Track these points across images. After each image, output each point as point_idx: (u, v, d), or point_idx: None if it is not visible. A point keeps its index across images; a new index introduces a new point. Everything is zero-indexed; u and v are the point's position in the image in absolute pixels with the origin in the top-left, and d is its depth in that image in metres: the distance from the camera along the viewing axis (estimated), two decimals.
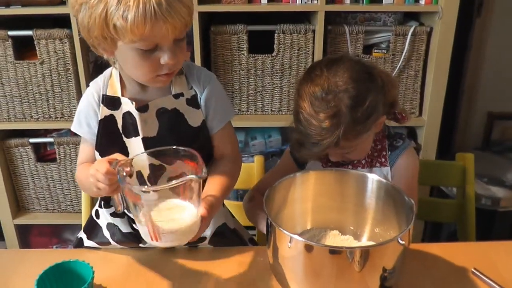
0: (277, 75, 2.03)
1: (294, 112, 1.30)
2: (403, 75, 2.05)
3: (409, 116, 1.43)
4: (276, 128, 2.17)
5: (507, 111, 2.65)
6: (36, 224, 2.39)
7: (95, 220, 1.34)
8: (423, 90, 2.09)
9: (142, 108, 1.20)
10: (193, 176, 0.97)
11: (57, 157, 2.23)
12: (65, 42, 2.03)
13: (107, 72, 1.26)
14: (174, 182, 0.96)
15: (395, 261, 0.99)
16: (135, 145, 1.20)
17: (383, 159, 1.38)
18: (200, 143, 1.24)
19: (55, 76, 2.09)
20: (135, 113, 1.19)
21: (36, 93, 2.13)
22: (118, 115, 1.21)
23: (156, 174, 1.10)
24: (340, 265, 0.96)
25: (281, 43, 1.98)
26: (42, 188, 2.32)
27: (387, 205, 1.12)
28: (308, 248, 0.96)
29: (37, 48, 2.05)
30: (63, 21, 2.03)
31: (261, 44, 1.96)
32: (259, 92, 2.06)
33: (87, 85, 2.02)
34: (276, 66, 2.02)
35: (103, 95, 1.22)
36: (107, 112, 1.21)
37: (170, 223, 1.01)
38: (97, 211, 1.34)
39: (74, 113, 2.08)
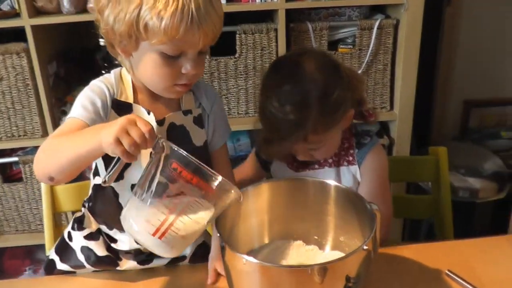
0: (241, 77, 1.97)
1: (260, 109, 1.26)
2: (371, 70, 2.00)
3: (377, 114, 1.41)
4: (244, 131, 2.11)
5: (484, 98, 2.61)
6: (7, 247, 2.31)
7: (67, 243, 1.27)
8: (393, 84, 2.04)
9: (160, 121, 1.15)
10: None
11: (23, 176, 2.15)
12: (23, 56, 1.94)
13: (116, 74, 1.17)
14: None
15: (359, 272, 0.93)
16: (141, 157, 1.10)
17: (350, 158, 1.34)
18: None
19: (15, 93, 2.00)
20: (154, 126, 1.10)
21: None
22: None
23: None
24: (300, 282, 0.90)
25: (243, 44, 1.92)
26: (10, 209, 2.22)
27: (349, 212, 1.07)
28: (264, 268, 0.91)
29: None
30: (17, 35, 1.94)
31: (222, 46, 1.89)
32: (224, 95, 2.00)
33: (48, 100, 2.00)
34: (240, 67, 1.96)
35: (114, 99, 1.14)
36: (116, 118, 1.10)
37: (189, 225, 0.93)
38: (69, 233, 1.27)
39: (38, 130, 2.06)
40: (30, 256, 2.39)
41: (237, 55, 1.95)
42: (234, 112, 2.04)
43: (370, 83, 2.01)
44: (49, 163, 1.02)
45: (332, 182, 1.10)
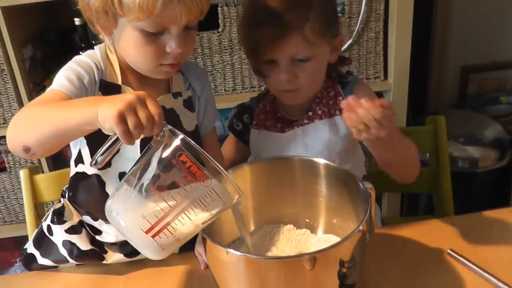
0: (226, 52, 1.88)
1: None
2: (363, 39, 1.90)
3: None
4: (232, 108, 2.03)
5: (482, 62, 2.52)
6: None
7: (48, 237, 1.19)
8: (386, 52, 1.94)
9: None
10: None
11: (7, 165, 2.08)
12: None
13: (102, 50, 1.08)
14: None
15: (353, 256, 0.86)
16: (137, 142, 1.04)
17: (341, 105, 1.21)
18: None
19: None
20: None
21: None
22: None
23: None
24: (289, 273, 0.83)
25: (226, 17, 1.82)
26: None
27: (341, 192, 1.00)
28: (248, 261, 0.83)
29: None
30: None
31: (204, 20, 1.80)
32: (209, 72, 1.90)
33: (26, 85, 1.91)
34: (224, 42, 1.86)
35: (102, 80, 1.05)
36: None
37: (186, 227, 0.82)
38: (49, 227, 1.19)
39: None
40: (19, 247, 2.32)
41: (220, 29, 1.85)
42: (221, 89, 1.95)
43: (362, 53, 1.92)
44: (28, 132, 0.89)
45: (321, 160, 1.02)
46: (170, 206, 0.79)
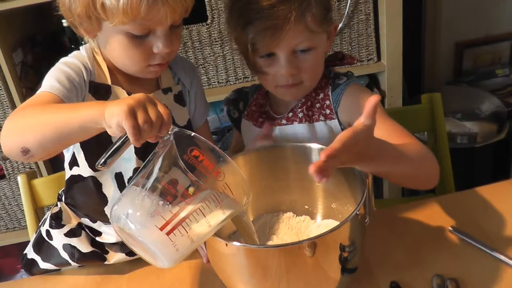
0: (216, 44, 1.87)
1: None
2: (353, 21, 1.89)
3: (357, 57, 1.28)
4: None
5: (476, 37, 2.51)
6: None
7: (47, 241, 1.18)
8: (377, 33, 1.93)
9: None
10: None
11: (5, 172, 2.07)
12: None
13: (88, 51, 1.05)
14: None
15: (353, 240, 0.86)
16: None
17: (327, 111, 1.15)
18: None
19: None
20: None
21: None
22: None
23: None
24: (291, 260, 0.83)
25: (213, 8, 1.81)
26: None
27: (337, 176, 0.98)
28: (248, 251, 0.83)
29: None
30: None
31: (192, 13, 1.79)
32: (201, 65, 1.90)
33: (19, 90, 1.90)
34: (214, 34, 1.85)
35: (90, 81, 1.03)
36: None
37: (201, 226, 0.79)
38: (48, 231, 1.18)
39: None
40: None
41: (209, 21, 1.83)
42: (214, 82, 1.94)
43: (354, 35, 1.90)
44: (27, 133, 0.86)
45: (314, 145, 1.01)
46: (185, 201, 0.77)
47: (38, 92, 0.97)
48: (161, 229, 0.76)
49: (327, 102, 1.15)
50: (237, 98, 1.34)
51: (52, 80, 0.97)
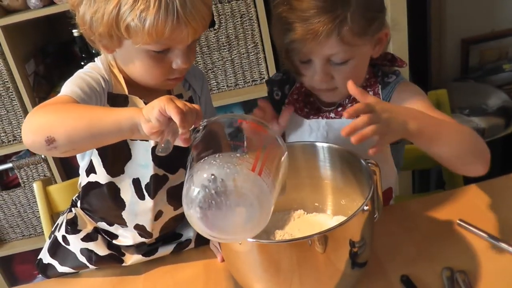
0: (224, 49, 1.90)
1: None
2: None
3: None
4: (236, 104, 2.04)
5: (481, 33, 2.50)
6: (16, 253, 2.28)
7: (64, 246, 1.21)
8: None
9: None
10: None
11: (20, 181, 2.12)
12: None
13: (103, 62, 1.07)
14: None
15: (362, 235, 0.88)
16: (139, 149, 1.07)
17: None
18: None
19: None
20: None
21: None
22: None
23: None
24: (302, 255, 0.85)
25: (221, 14, 1.84)
26: (13, 216, 2.21)
27: (345, 173, 1.00)
28: (261, 247, 0.85)
29: None
30: None
31: None
32: (210, 69, 1.93)
33: (32, 100, 1.94)
34: (222, 39, 1.88)
35: (109, 92, 1.05)
36: None
37: (275, 173, 0.82)
38: (64, 237, 1.20)
39: None
40: None
41: (216, 26, 1.87)
42: (223, 86, 1.97)
43: None
44: (58, 122, 0.85)
45: (322, 144, 1.03)
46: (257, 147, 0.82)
47: (58, 95, 0.97)
48: (253, 170, 0.77)
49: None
50: (283, 79, 1.30)
51: (73, 86, 0.97)
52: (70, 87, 0.97)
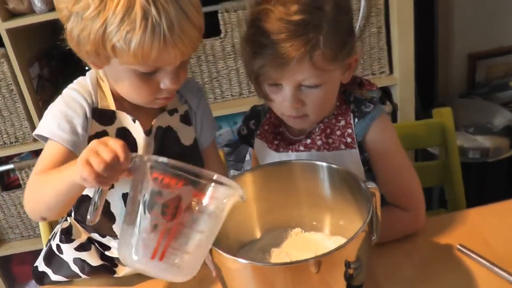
0: (230, 58, 1.89)
1: (248, 21, 1.07)
2: (365, 34, 1.90)
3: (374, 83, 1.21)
4: (240, 113, 2.02)
5: (489, 48, 2.49)
6: (15, 254, 2.28)
7: (57, 255, 1.21)
8: (389, 46, 1.94)
9: (147, 131, 1.07)
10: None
11: (21, 182, 2.11)
12: (3, 62, 1.88)
13: (92, 79, 1.07)
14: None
15: (359, 257, 0.86)
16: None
17: (348, 139, 1.13)
18: (191, 163, 1.11)
19: (0, 100, 1.95)
20: (141, 137, 1.06)
21: None
22: (112, 130, 1.07)
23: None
24: (296, 277, 0.84)
25: (227, 23, 1.83)
26: (13, 216, 2.20)
27: (344, 194, 0.99)
28: (255, 268, 0.84)
29: None
30: None
31: (206, 27, 1.81)
32: (215, 78, 1.92)
33: (35, 103, 1.94)
34: (227, 48, 1.87)
35: (94, 108, 1.05)
36: (98, 128, 1.05)
37: (189, 238, 0.82)
38: (58, 246, 1.20)
39: (28, 135, 2.00)
40: None
41: (222, 35, 1.86)
42: (227, 95, 1.96)
43: (365, 49, 1.92)
44: (38, 204, 0.97)
45: (322, 163, 1.01)
46: (164, 223, 0.81)
47: (46, 145, 1.03)
48: (152, 258, 0.80)
49: (349, 131, 1.13)
50: (249, 115, 1.32)
51: (54, 125, 1.01)
52: (52, 126, 1.01)
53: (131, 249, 0.82)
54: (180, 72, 1.00)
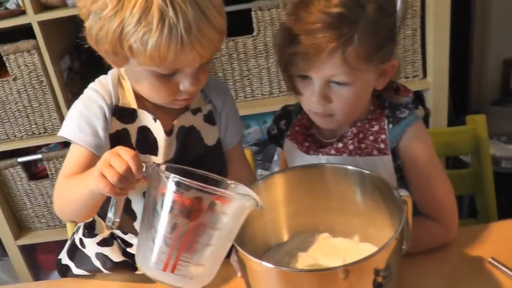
0: (261, 56, 1.88)
1: (289, 9, 1.05)
2: (400, 36, 1.86)
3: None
4: (270, 112, 2.01)
5: None
6: (40, 243, 2.31)
7: (81, 249, 1.22)
8: (424, 49, 1.90)
9: (168, 131, 1.07)
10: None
11: (49, 172, 2.14)
12: (34, 54, 1.90)
13: (113, 78, 1.07)
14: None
15: (388, 266, 0.84)
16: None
17: (381, 145, 1.10)
18: (214, 164, 1.11)
19: (30, 91, 1.98)
20: (161, 136, 1.06)
21: (15, 111, 2.02)
22: (133, 129, 1.06)
23: None
24: (322, 283, 0.82)
25: (260, 21, 1.82)
26: (39, 206, 2.23)
27: (376, 200, 0.97)
28: (280, 273, 0.83)
29: (7, 64, 1.93)
30: (27, 32, 1.90)
31: (238, 25, 1.80)
32: (246, 76, 1.91)
33: (64, 95, 1.95)
34: (259, 46, 1.86)
35: (115, 105, 1.05)
36: (119, 125, 1.06)
37: (200, 250, 0.82)
38: (81, 240, 1.21)
39: (57, 126, 2.01)
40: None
41: (254, 33, 1.85)
42: (257, 94, 1.95)
43: (400, 51, 1.88)
44: (66, 209, 1.03)
45: (354, 168, 0.99)
46: (174, 239, 0.82)
47: (71, 146, 1.05)
48: (164, 270, 0.81)
49: (383, 136, 1.10)
50: (280, 115, 1.30)
51: (75, 127, 1.03)
52: (73, 129, 1.03)
53: (145, 258, 0.84)
54: (200, 74, 0.98)
